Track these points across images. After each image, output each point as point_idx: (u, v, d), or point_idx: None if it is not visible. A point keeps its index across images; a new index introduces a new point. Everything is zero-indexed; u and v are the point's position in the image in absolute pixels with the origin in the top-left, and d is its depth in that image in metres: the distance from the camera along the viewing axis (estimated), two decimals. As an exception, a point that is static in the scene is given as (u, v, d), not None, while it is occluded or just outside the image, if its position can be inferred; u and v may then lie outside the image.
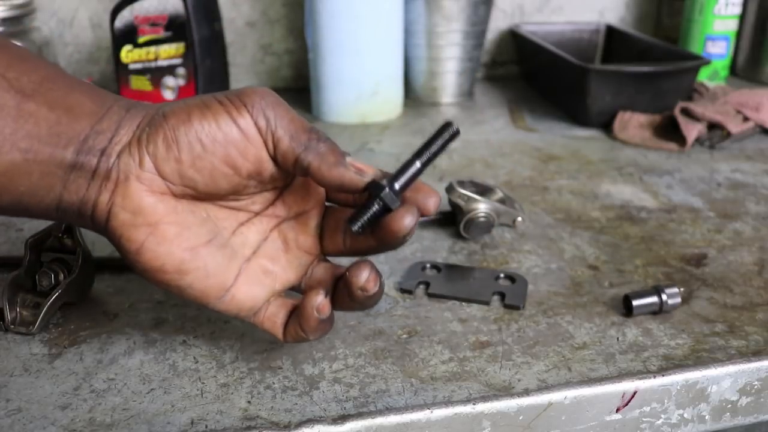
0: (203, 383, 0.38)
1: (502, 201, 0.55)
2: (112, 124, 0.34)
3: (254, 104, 0.33)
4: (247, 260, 0.37)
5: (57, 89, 0.33)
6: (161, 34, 0.80)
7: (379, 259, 0.51)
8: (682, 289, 0.44)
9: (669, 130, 0.78)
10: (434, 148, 0.35)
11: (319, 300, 0.34)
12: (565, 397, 0.37)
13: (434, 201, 0.36)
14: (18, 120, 0.32)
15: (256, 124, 0.33)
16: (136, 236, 0.33)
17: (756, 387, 0.40)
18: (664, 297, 0.43)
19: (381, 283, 0.36)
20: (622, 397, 0.38)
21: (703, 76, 0.98)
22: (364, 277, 0.34)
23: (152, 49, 0.80)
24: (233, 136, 0.33)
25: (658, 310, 0.44)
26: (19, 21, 0.77)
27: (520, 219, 0.55)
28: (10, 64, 0.33)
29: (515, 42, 1.07)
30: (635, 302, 0.43)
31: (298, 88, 0.99)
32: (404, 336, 0.42)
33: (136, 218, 0.33)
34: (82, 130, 0.33)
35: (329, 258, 0.40)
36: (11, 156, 0.32)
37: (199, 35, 0.80)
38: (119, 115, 0.34)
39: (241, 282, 0.36)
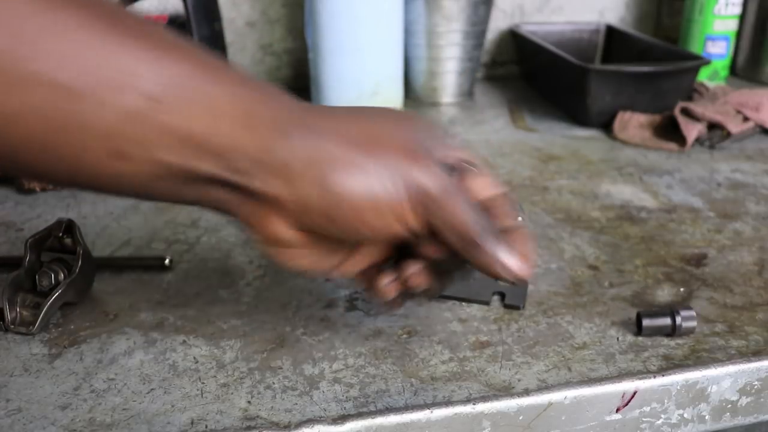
0: (203, 383, 0.38)
1: (502, 201, 0.55)
2: (255, 144, 0.30)
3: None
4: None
5: (193, 89, 0.29)
6: (161, 34, 0.80)
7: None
8: (683, 289, 0.44)
9: (669, 130, 0.78)
10: None
11: (384, 282, 0.36)
12: (565, 397, 0.37)
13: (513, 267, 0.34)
14: (151, 129, 0.29)
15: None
16: (266, 250, 0.35)
17: (756, 387, 0.40)
18: (678, 320, 0.41)
19: (431, 288, 0.37)
20: (622, 397, 0.38)
21: (703, 76, 0.98)
22: (411, 270, 0.36)
23: (152, 49, 0.80)
24: (377, 204, 0.32)
25: (671, 333, 0.42)
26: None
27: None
28: (157, 58, 0.29)
29: (515, 42, 1.07)
30: (645, 322, 0.41)
31: (298, 87, 0.99)
32: (404, 336, 0.42)
33: (268, 239, 0.34)
34: (221, 146, 0.30)
35: None
36: (148, 167, 0.30)
37: (199, 35, 0.80)
38: (264, 137, 0.31)
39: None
